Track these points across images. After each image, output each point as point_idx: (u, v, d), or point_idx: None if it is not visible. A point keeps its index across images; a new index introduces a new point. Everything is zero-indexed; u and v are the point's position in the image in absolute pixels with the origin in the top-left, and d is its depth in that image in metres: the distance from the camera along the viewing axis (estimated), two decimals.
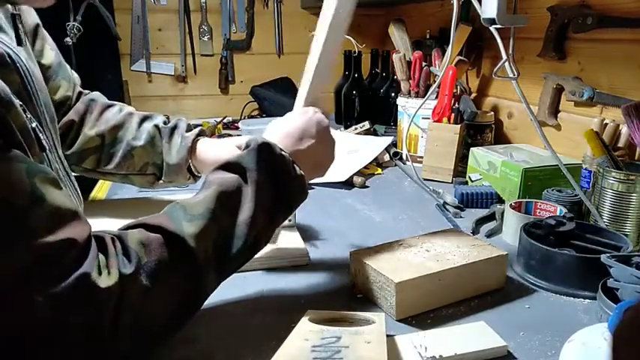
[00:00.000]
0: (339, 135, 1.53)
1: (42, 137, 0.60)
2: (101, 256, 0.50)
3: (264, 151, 0.64)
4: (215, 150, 0.89)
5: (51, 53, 0.87)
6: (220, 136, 1.67)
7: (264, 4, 2.05)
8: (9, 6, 0.68)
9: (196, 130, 0.92)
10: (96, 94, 0.98)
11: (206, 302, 0.68)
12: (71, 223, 0.49)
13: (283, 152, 0.66)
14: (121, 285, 0.50)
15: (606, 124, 1.03)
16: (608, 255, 0.68)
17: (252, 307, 0.68)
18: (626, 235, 0.80)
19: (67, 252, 0.48)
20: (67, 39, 1.69)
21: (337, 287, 0.74)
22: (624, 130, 1.01)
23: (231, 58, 2.08)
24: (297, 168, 0.67)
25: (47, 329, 0.47)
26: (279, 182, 0.64)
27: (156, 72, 2.02)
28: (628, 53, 1.02)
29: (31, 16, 0.84)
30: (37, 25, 0.85)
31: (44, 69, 0.84)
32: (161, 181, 0.93)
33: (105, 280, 0.49)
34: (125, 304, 0.50)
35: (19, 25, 0.70)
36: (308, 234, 0.90)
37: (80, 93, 0.96)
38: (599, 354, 0.49)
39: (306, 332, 0.57)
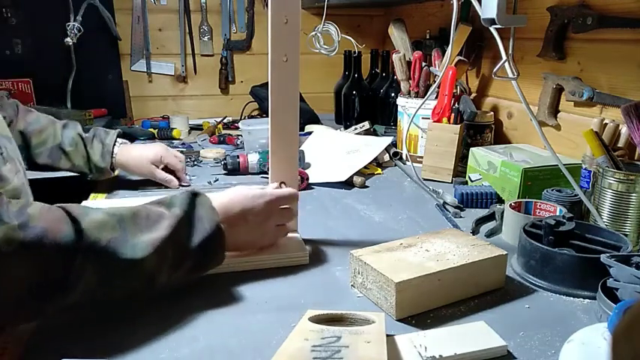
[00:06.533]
0: (339, 135, 1.53)
1: None
2: None
3: (195, 197, 0.70)
4: (127, 152, 1.12)
5: None
6: (220, 135, 1.67)
7: (264, 4, 2.05)
8: None
9: (114, 136, 1.12)
10: (16, 101, 1.09)
11: (206, 302, 0.69)
12: None
13: (214, 207, 0.70)
14: None
15: (606, 124, 1.03)
16: (607, 255, 0.68)
17: (252, 307, 0.68)
18: (625, 235, 0.80)
19: None
20: (67, 39, 1.70)
21: (337, 287, 0.74)
22: (624, 130, 1.01)
23: (231, 58, 2.08)
24: (223, 226, 0.69)
25: None
26: (199, 227, 0.67)
27: (156, 72, 2.02)
28: (628, 53, 1.03)
29: None
30: None
31: None
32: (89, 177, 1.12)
33: None
34: None
35: None
36: (308, 234, 0.90)
37: (3, 97, 1.05)
38: (599, 354, 0.49)
39: (306, 332, 0.57)
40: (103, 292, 0.61)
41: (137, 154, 1.13)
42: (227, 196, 0.75)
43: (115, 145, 1.11)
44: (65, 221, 0.58)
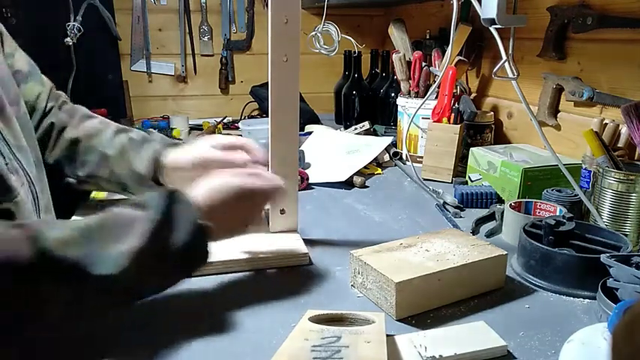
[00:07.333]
0: (339, 135, 1.53)
1: None
2: None
3: (172, 195, 0.62)
4: (176, 155, 0.86)
5: (22, 59, 0.89)
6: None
7: (264, 4, 2.05)
8: None
9: (166, 141, 0.89)
10: (79, 106, 0.98)
11: (206, 302, 0.68)
12: None
13: (194, 204, 0.63)
14: None
15: (606, 124, 1.03)
16: (607, 255, 0.68)
17: (253, 307, 0.68)
18: (625, 235, 0.80)
19: None
20: (67, 39, 1.69)
21: (337, 287, 0.74)
22: (624, 130, 1.02)
23: (231, 58, 2.08)
24: (205, 222, 0.62)
25: None
26: (179, 228, 0.60)
27: (156, 72, 2.02)
28: (628, 53, 1.03)
29: None
30: (1, 33, 0.85)
31: (15, 73, 0.84)
32: (129, 191, 0.91)
33: None
34: None
35: None
36: (308, 234, 0.90)
37: (64, 102, 0.97)
38: (599, 354, 0.49)
39: (306, 332, 0.57)
40: (80, 313, 0.56)
41: (191, 145, 0.87)
42: (208, 189, 0.67)
43: (167, 147, 0.87)
44: (24, 242, 0.51)
